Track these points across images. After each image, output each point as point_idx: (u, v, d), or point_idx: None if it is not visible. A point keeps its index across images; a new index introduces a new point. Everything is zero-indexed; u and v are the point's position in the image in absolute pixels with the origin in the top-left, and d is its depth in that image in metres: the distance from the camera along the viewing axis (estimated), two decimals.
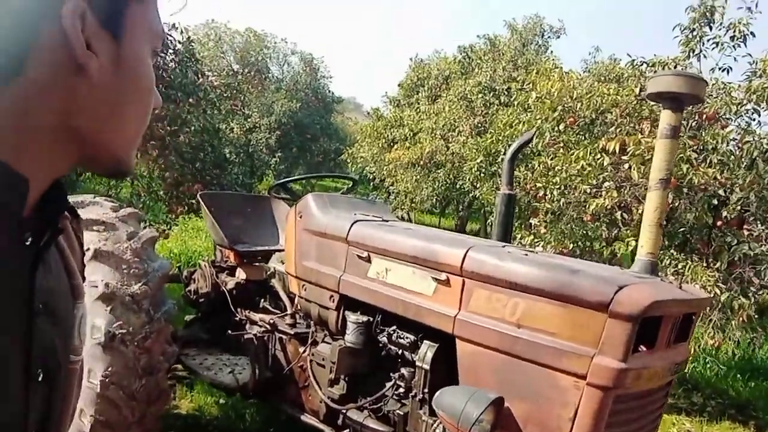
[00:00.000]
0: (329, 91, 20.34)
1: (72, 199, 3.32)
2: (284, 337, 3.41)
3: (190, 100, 6.52)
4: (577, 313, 2.06)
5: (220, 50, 19.25)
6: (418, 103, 12.32)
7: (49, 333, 0.63)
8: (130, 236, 3.19)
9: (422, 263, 2.53)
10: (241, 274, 3.89)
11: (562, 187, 4.64)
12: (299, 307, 3.31)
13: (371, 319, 2.78)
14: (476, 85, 9.95)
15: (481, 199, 6.69)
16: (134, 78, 0.63)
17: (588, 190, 4.53)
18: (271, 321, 3.46)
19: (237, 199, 4.32)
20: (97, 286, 2.98)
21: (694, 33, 5.31)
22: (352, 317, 2.81)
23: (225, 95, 7.84)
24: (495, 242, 2.67)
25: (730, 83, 5.24)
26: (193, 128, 6.24)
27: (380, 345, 2.76)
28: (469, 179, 6.26)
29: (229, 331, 3.42)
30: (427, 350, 2.53)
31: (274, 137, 17.70)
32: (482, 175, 5.96)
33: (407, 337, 2.63)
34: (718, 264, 4.46)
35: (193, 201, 6.94)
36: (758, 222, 4.60)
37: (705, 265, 4.48)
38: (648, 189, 2.35)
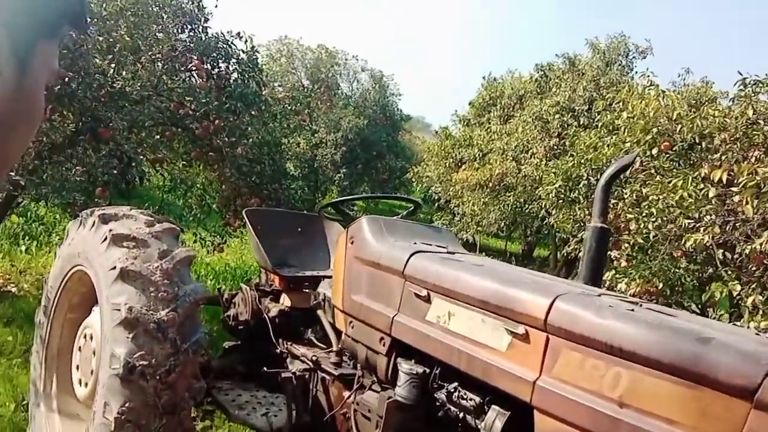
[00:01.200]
0: (397, 109, 20.08)
1: (105, 211, 3.00)
2: (327, 377, 2.98)
3: (252, 111, 6.27)
4: (707, 398, 1.52)
5: (292, 66, 19.37)
6: (489, 123, 11.77)
7: None
8: (162, 255, 2.84)
9: (495, 310, 2.04)
10: (285, 301, 3.49)
11: (658, 220, 4.02)
12: (346, 346, 2.87)
13: (428, 370, 2.30)
14: (554, 104, 9.33)
15: (555, 227, 6.09)
16: (28, 108, 0.64)
17: (687, 224, 3.90)
18: (314, 358, 3.03)
19: (286, 218, 3.96)
20: (119, 310, 2.64)
21: None
22: (405, 366, 2.34)
23: (291, 108, 7.57)
24: (588, 289, 2.14)
25: None
26: (252, 140, 5.96)
27: (437, 403, 2.27)
28: (545, 204, 5.69)
29: (265, 368, 3.01)
30: (495, 418, 2.02)
31: (339, 153, 17.53)
32: (560, 201, 5.39)
33: (471, 399, 2.13)
34: None
35: None
36: None
37: None
38: None
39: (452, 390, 2.20)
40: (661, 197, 3.97)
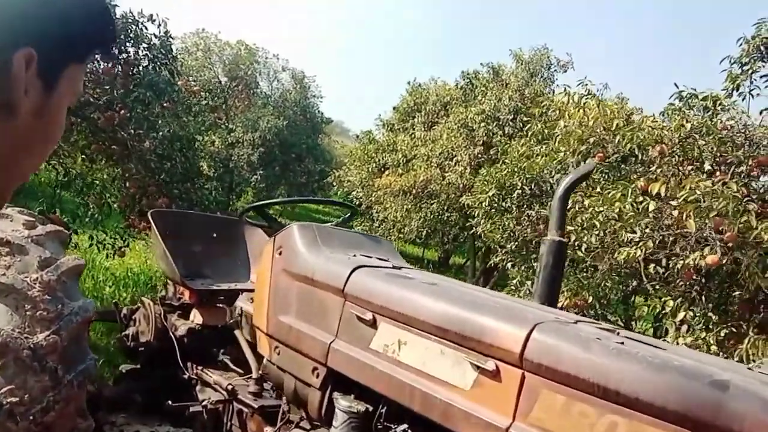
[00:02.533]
0: (318, 111, 19.57)
1: None
2: (245, 410, 2.55)
3: (163, 102, 5.67)
4: None
5: (208, 61, 18.45)
6: (413, 129, 11.58)
7: None
8: (43, 264, 2.32)
9: (457, 340, 1.71)
10: (196, 318, 3.02)
11: (600, 232, 3.86)
12: (269, 373, 2.45)
13: (370, 408, 1.94)
14: (479, 113, 9.24)
15: (483, 236, 5.91)
16: (50, 128, 0.65)
17: (628, 238, 3.76)
18: (230, 386, 2.59)
19: (199, 221, 3.48)
20: None
21: (746, 68, 4.64)
22: (343, 403, 1.96)
23: (206, 104, 6.98)
24: (558, 313, 1.85)
25: None
26: (162, 134, 5.37)
27: None
28: (478, 213, 5.48)
29: (169, 402, 2.54)
30: None
31: (257, 154, 16.80)
32: (492, 210, 5.20)
33: None
34: None
35: None
36: None
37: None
38: None
39: None
40: (602, 209, 3.81)
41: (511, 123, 9.13)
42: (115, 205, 5.36)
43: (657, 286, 4.95)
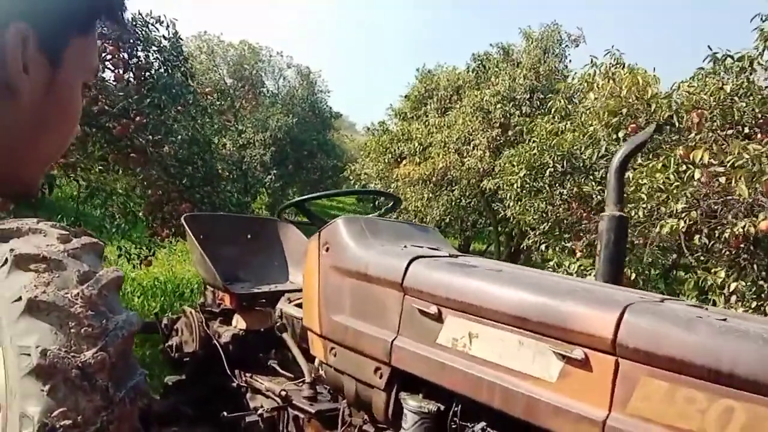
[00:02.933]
0: (327, 106, 19.46)
1: (3, 225, 2.35)
2: (301, 416, 2.45)
3: (178, 106, 5.58)
4: None
5: (213, 63, 18.38)
6: (427, 116, 11.41)
7: None
8: (82, 278, 2.22)
9: (538, 329, 1.59)
10: (239, 323, 2.92)
11: (648, 205, 3.71)
12: (324, 375, 2.35)
13: (442, 407, 1.83)
14: (494, 94, 9.05)
15: (515, 220, 5.76)
16: (63, 106, 0.64)
17: (678, 209, 3.61)
18: (284, 392, 2.49)
19: (233, 223, 3.37)
20: (29, 354, 2.01)
21: None
22: (412, 403, 1.85)
23: (217, 106, 6.88)
24: (650, 296, 1.72)
25: None
26: (180, 138, 5.27)
27: None
28: (510, 195, 5.33)
29: (224, 414, 2.44)
30: None
31: (269, 153, 16.75)
32: (524, 191, 5.06)
33: None
34: None
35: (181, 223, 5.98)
36: None
37: None
38: None
39: (479, 431, 1.73)
40: (644, 182, 3.66)
41: (528, 102, 8.95)
42: (141, 214, 5.28)
43: (701, 257, 4.80)
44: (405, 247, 2.17)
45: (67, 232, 2.43)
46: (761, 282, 4.23)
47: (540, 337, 1.58)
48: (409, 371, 1.89)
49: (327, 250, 2.24)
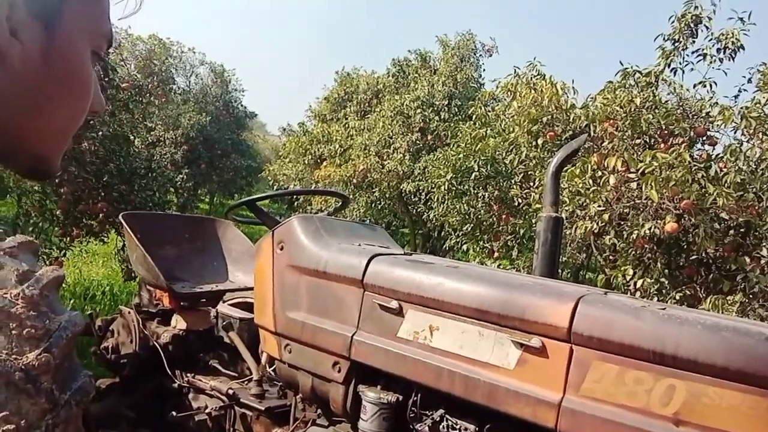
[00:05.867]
0: (242, 105, 19.08)
1: None
2: (249, 413, 2.45)
3: None
4: None
5: (121, 58, 17.53)
6: (347, 119, 11.50)
7: None
8: (21, 278, 2.10)
9: (497, 320, 1.71)
10: (179, 323, 2.88)
11: (570, 208, 3.98)
12: (273, 373, 2.37)
13: (401, 398, 1.91)
14: (414, 99, 9.29)
15: (436, 221, 5.96)
16: (66, 72, 0.59)
17: (597, 210, 3.90)
18: (230, 391, 2.48)
19: (171, 223, 3.30)
20: None
21: (677, 44, 4.91)
22: (371, 395, 1.93)
23: (134, 100, 6.63)
24: (595, 290, 1.88)
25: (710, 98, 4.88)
26: (100, 134, 5.05)
27: None
28: (437, 198, 5.52)
29: (173, 413, 2.40)
30: None
31: (180, 152, 16.21)
32: (450, 193, 5.26)
33: (466, 428, 1.78)
34: (734, 296, 3.95)
35: (93, 222, 5.70)
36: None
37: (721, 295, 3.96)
38: None
39: (438, 419, 1.83)
40: (564, 186, 3.93)
41: (446, 108, 9.24)
42: (57, 211, 5.00)
43: (610, 257, 5.17)
44: (360, 245, 2.24)
45: (1, 231, 2.30)
46: (663, 279, 4.64)
47: (499, 327, 1.70)
48: (369, 364, 1.96)
49: (282, 248, 2.27)
